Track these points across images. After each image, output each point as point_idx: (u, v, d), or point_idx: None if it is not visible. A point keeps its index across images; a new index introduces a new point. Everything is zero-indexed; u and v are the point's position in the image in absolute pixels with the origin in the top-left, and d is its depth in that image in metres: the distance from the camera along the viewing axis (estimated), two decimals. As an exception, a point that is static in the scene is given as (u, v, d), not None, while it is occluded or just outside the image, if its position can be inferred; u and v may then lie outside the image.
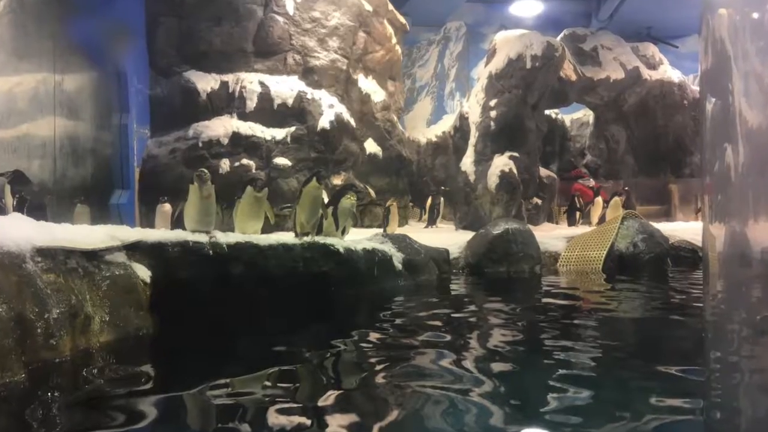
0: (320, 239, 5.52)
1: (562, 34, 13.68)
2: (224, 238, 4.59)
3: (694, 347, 3.54)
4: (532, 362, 3.12)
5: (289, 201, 9.51)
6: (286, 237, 5.46)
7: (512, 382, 2.77)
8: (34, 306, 2.94)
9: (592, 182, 13.86)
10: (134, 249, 3.98)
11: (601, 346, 3.51)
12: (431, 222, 11.96)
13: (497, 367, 3.02)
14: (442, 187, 12.83)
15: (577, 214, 11.95)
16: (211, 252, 4.40)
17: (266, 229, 6.48)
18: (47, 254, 3.24)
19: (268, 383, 2.81)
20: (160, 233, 4.38)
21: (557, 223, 12.28)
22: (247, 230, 5.67)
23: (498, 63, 10.91)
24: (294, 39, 11.10)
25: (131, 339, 3.59)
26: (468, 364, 3.08)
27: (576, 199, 12.12)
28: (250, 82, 10.58)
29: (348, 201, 6.16)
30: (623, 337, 3.99)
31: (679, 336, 3.87)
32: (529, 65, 10.56)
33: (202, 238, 4.45)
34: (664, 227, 8.74)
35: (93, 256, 3.63)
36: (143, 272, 3.90)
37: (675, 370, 2.86)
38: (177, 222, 5.39)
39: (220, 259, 4.46)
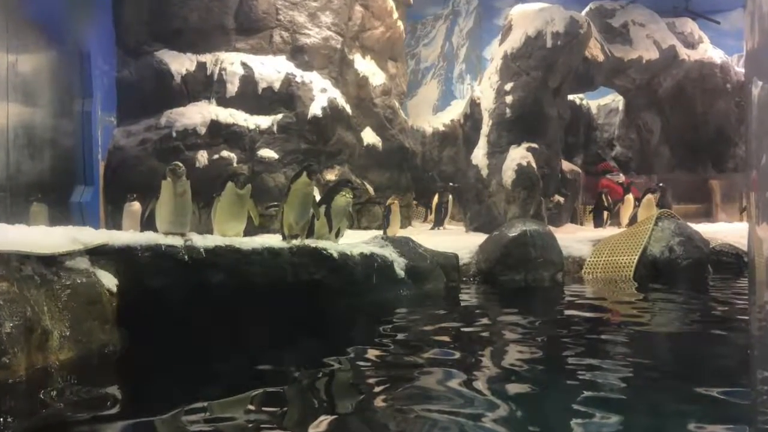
0: (311, 243, 5.52)
1: (587, 8, 13.68)
2: (201, 241, 4.59)
3: (739, 366, 3.54)
4: (553, 383, 3.12)
5: (276, 199, 9.51)
6: (273, 240, 5.46)
7: (531, 406, 2.77)
8: (-17, 319, 2.94)
9: (621, 178, 13.86)
10: (99, 254, 3.98)
11: (631, 365, 3.51)
12: (438, 223, 11.97)
13: (513, 388, 3.02)
14: (450, 183, 12.84)
15: (605, 214, 11.95)
16: (186, 257, 4.40)
17: (250, 230, 6.49)
18: (-1, 260, 3.25)
19: (251, 407, 2.81)
20: (129, 236, 4.39)
21: (582, 224, 12.29)
22: (227, 232, 5.67)
23: (514, 41, 10.91)
24: (281, 14, 11.10)
25: (95, 356, 3.60)
26: (480, 385, 3.08)
27: (603, 197, 12.12)
28: (231, 63, 10.57)
29: (343, 199, 6.16)
30: (657, 354, 3.99)
31: (722, 353, 3.86)
32: (549, 44, 10.55)
33: (177, 241, 4.46)
34: (705, 229, 8.74)
35: (51, 261, 3.63)
36: (109, 280, 3.91)
37: (717, 392, 2.86)
38: (148, 223, 5.39)
39: (197, 266, 4.47)
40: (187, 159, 9.90)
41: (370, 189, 11.57)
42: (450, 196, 12.24)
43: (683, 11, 15.30)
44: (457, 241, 8.53)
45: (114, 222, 8.73)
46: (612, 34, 13.61)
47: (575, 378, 3.12)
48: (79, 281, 3.69)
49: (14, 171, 7.79)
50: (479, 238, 8.30)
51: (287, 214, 5.77)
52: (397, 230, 9.54)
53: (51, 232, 3.95)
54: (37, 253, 3.53)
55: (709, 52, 14.53)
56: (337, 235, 6.27)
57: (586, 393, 2.87)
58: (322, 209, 6.00)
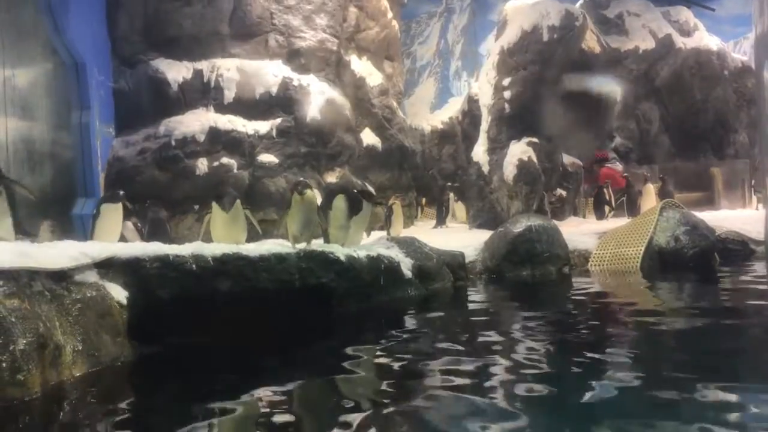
0: (317, 247, 5.51)
1: (581, 0, 13.68)
2: (209, 249, 4.57)
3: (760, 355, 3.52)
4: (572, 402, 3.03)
5: (277, 203, 9.51)
6: (279, 246, 5.45)
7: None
8: (-3, 337, 2.93)
9: (619, 166, 13.85)
10: (107, 267, 3.96)
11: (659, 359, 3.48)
12: (440, 221, 11.97)
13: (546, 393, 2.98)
14: (449, 184, 12.86)
15: (606, 207, 11.91)
16: (194, 266, 4.38)
17: (253, 236, 6.50)
18: (9, 276, 3.23)
19: (262, 421, 2.77)
20: (137, 247, 4.37)
21: (584, 217, 12.27)
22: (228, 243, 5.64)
23: (510, 36, 10.91)
24: (276, 18, 11.09)
25: (108, 370, 3.58)
26: (504, 392, 3.05)
27: (605, 189, 12.07)
28: (228, 69, 10.56)
29: (340, 201, 6.19)
30: (682, 346, 3.92)
31: (740, 342, 3.84)
32: (546, 37, 10.56)
33: (184, 251, 4.44)
34: (708, 217, 8.73)
35: (61, 276, 3.61)
36: (118, 293, 3.89)
37: (734, 381, 2.83)
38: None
39: (205, 275, 4.44)
40: (187, 167, 9.92)
41: (371, 190, 11.55)
42: (451, 195, 12.26)
43: (677, -1, 15.31)
44: (461, 239, 8.53)
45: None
46: (607, 25, 13.63)
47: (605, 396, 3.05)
48: (89, 295, 3.68)
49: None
50: (483, 235, 8.30)
51: (290, 225, 5.78)
52: (400, 230, 9.52)
53: (59, 247, 3.93)
54: (46, 268, 3.51)
55: (705, 39, 14.54)
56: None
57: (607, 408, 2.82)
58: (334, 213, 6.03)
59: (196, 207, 9.56)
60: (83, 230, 8.82)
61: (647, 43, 13.73)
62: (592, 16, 12.85)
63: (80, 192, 9.40)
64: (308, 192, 5.69)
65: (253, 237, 6.73)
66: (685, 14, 14.75)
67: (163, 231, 7.91)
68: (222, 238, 5.86)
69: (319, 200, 6.33)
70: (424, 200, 13.62)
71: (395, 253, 6.23)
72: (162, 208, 8.82)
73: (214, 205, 5.93)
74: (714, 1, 15.61)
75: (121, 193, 6.93)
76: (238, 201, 6.06)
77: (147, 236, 7.24)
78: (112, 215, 6.66)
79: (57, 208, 8.74)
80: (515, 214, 9.32)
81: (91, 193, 9.41)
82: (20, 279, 3.32)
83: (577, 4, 12.75)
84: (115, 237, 6.47)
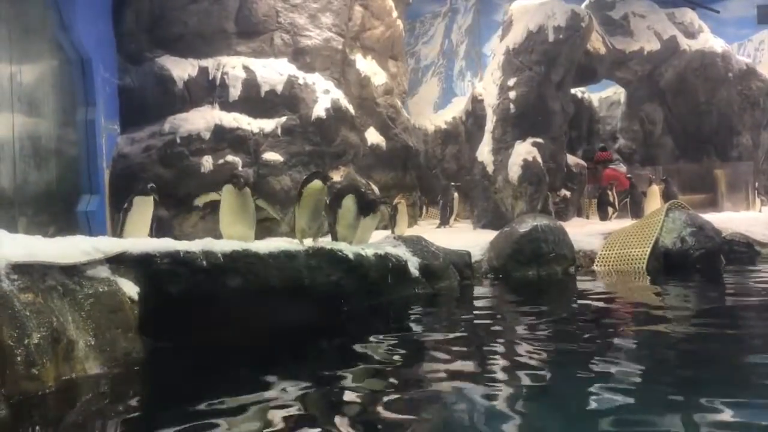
0: (326, 244, 5.51)
1: (587, 1, 13.70)
2: (219, 246, 4.58)
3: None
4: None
5: (281, 201, 9.50)
6: (289, 243, 5.45)
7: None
8: (12, 330, 2.94)
9: (623, 168, 13.85)
10: (118, 262, 3.96)
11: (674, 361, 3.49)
12: (444, 221, 11.98)
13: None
14: (452, 183, 12.87)
15: (610, 208, 11.92)
16: (204, 263, 4.38)
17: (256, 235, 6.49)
18: (24, 271, 3.23)
19: (270, 418, 2.77)
20: (147, 243, 4.37)
21: (588, 217, 12.29)
22: (234, 236, 5.63)
23: (516, 36, 10.92)
24: (281, 16, 11.08)
25: (120, 365, 3.58)
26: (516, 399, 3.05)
27: (609, 191, 12.08)
28: (233, 67, 10.55)
29: (350, 201, 6.18)
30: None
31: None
32: (551, 38, 10.56)
33: (194, 247, 4.44)
34: (711, 219, 8.74)
35: (73, 271, 3.61)
36: (130, 288, 3.89)
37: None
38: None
39: (215, 271, 4.45)
40: (191, 165, 9.90)
41: (375, 189, 11.55)
42: (456, 194, 12.27)
43: (682, 1, 15.30)
44: (467, 238, 8.53)
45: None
46: (612, 26, 13.63)
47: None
48: (101, 290, 3.68)
49: (21, 182, 7.75)
50: (487, 235, 8.32)
51: (299, 219, 5.76)
52: (404, 230, 9.51)
53: (70, 242, 3.93)
54: (59, 263, 3.52)
55: (710, 41, 14.52)
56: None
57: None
58: (342, 214, 6.04)
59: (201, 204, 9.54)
60: (88, 227, 8.83)
61: (652, 45, 13.74)
62: (597, 17, 12.84)
63: (85, 189, 9.37)
64: (321, 184, 5.68)
65: (260, 233, 6.72)
66: (690, 16, 14.74)
67: (167, 230, 7.88)
68: (230, 221, 5.82)
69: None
70: (426, 200, 13.64)
71: (402, 252, 6.24)
72: (163, 207, 8.80)
73: (226, 187, 5.87)
74: (718, 3, 15.62)
75: (151, 186, 6.79)
76: (247, 189, 5.98)
77: (154, 235, 7.22)
78: (144, 208, 6.53)
79: (62, 204, 8.73)
80: (520, 215, 9.34)
81: (96, 190, 9.39)
82: (33, 273, 3.33)
83: (583, 5, 12.77)
84: (145, 230, 6.41)
